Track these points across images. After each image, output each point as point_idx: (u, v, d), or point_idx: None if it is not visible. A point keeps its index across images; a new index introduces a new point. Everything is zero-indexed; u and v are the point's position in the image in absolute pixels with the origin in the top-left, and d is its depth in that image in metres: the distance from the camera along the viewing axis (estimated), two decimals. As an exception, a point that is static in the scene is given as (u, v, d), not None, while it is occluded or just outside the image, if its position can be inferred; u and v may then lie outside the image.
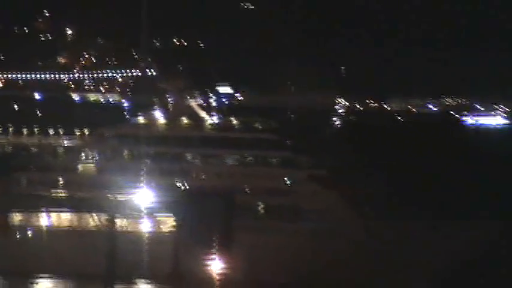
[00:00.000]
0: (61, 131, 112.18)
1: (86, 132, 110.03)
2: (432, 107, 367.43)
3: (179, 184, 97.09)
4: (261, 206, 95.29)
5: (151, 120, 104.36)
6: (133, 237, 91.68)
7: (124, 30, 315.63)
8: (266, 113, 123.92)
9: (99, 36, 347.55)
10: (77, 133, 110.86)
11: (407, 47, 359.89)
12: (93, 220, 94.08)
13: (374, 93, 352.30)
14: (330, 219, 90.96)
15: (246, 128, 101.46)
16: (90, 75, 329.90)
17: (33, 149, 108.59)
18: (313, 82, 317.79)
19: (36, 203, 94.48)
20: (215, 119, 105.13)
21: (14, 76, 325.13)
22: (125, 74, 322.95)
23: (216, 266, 74.90)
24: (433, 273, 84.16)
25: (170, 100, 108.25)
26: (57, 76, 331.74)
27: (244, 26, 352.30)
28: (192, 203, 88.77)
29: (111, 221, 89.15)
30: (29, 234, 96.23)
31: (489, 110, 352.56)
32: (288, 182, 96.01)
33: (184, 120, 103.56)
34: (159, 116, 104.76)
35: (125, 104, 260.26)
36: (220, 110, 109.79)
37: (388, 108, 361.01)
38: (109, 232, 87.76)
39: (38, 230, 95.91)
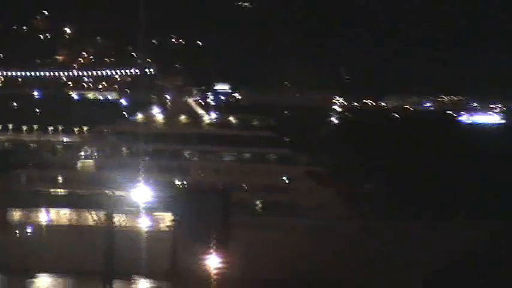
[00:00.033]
0: (60, 128, 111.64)
1: (85, 129, 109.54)
2: (428, 105, 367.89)
3: (177, 181, 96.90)
4: (258, 203, 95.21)
5: (150, 118, 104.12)
6: (132, 234, 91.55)
7: (123, 29, 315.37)
8: (264, 111, 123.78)
9: (98, 35, 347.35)
10: (76, 130, 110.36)
11: (405, 46, 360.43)
12: (91, 217, 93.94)
13: (371, 91, 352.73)
14: (327, 216, 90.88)
15: (244, 125, 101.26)
16: (89, 73, 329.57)
17: (32, 146, 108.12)
18: (311, 80, 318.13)
19: (34, 200, 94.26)
20: (213, 116, 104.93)
21: (13, 74, 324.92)
22: (123, 72, 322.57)
23: (213, 262, 74.64)
24: (430, 270, 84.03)
25: (168, 98, 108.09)
26: (56, 74, 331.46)
27: (243, 25, 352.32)
28: (190, 200, 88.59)
29: (110, 218, 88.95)
30: (28, 231, 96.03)
31: (485, 108, 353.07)
32: (285, 179, 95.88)
33: (183, 117, 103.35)
34: (157, 113, 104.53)
35: (124, 102, 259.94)
36: (219, 107, 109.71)
37: (385, 106, 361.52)
38: (107, 229, 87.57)
39: (36, 226, 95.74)
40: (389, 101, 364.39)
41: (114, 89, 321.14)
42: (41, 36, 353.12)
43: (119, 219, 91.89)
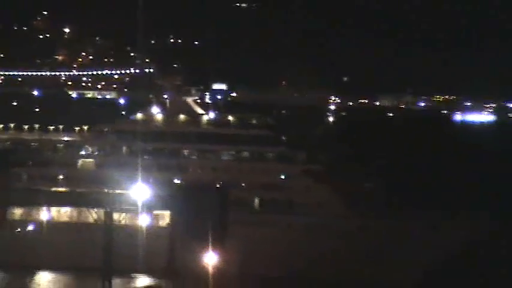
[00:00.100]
0: (59, 127, 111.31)
1: (85, 128, 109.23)
2: (423, 104, 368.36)
3: (176, 179, 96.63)
4: (256, 201, 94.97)
5: (149, 117, 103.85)
6: (130, 232, 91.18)
7: (122, 29, 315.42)
8: (262, 110, 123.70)
9: (97, 35, 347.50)
10: (76, 129, 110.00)
11: (400, 47, 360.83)
12: (90, 215, 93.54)
13: (367, 91, 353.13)
14: (323, 213, 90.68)
15: (242, 124, 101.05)
16: (89, 73, 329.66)
17: (31, 145, 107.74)
18: (308, 80, 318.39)
19: (34, 198, 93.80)
20: (212, 115, 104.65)
21: (13, 74, 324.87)
22: (123, 72, 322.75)
23: (211, 259, 74.31)
24: (427, 268, 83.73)
25: (167, 97, 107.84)
26: (56, 74, 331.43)
27: (241, 25, 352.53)
28: (188, 197, 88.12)
29: (109, 216, 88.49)
30: (27, 228, 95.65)
31: (479, 107, 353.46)
32: (282, 176, 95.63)
33: (182, 116, 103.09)
34: (156, 112, 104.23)
35: (123, 101, 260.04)
36: (217, 106, 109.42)
37: (379, 104, 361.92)
38: (106, 227, 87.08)
39: (35, 224, 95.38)
40: (385, 100, 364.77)
41: (114, 89, 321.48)
42: (41, 36, 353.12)
43: (117, 217, 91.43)
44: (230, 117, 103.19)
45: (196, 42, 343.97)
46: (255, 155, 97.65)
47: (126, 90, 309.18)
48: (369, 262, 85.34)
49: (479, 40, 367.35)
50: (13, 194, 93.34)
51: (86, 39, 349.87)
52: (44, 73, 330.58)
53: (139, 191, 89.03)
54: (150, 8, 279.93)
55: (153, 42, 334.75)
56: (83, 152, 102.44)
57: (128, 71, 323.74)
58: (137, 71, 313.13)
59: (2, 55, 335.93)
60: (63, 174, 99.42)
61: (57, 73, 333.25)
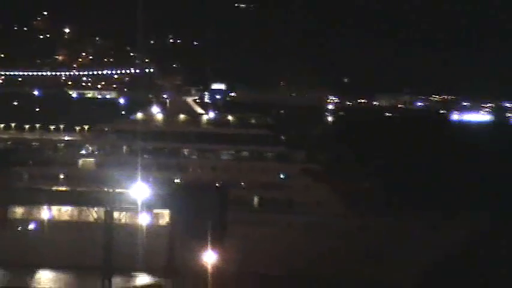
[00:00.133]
0: (59, 127, 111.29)
1: (85, 128, 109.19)
2: (421, 104, 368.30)
3: (176, 178, 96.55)
4: (255, 200, 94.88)
5: (149, 117, 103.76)
6: (130, 231, 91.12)
7: (122, 29, 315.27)
8: (261, 110, 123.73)
9: (98, 35, 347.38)
10: (76, 129, 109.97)
11: (399, 46, 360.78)
12: (91, 213, 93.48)
13: (365, 90, 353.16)
14: (322, 212, 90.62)
15: (241, 124, 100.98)
16: (89, 73, 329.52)
17: (32, 144, 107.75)
18: (306, 80, 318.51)
19: (35, 197, 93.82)
20: (211, 115, 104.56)
21: (14, 73, 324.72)
22: (123, 72, 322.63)
23: (210, 258, 74.19)
24: (426, 267, 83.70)
25: (167, 97, 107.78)
26: (56, 73, 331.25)
27: (240, 25, 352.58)
28: (188, 197, 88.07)
29: (109, 215, 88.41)
30: (27, 227, 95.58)
31: (476, 107, 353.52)
32: (282, 176, 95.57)
33: (182, 116, 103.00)
34: (156, 112, 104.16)
35: (123, 101, 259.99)
36: (217, 106, 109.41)
37: (378, 104, 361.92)
38: (106, 226, 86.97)
39: (36, 223, 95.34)
40: (383, 100, 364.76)
41: (114, 89, 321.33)
42: (41, 36, 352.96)
43: (117, 216, 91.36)
44: (230, 117, 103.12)
45: (195, 43, 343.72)
46: (254, 155, 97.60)
47: (126, 90, 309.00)
48: (368, 261, 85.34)
49: (477, 40, 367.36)
50: (14, 193, 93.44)
51: (86, 39, 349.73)
52: (44, 73, 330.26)
53: (139, 190, 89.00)
54: (150, 8, 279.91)
55: (152, 42, 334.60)
56: (83, 152, 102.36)
57: (127, 71, 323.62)
58: (137, 71, 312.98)
59: (2, 55, 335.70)
60: (64, 174, 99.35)
61: (58, 73, 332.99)
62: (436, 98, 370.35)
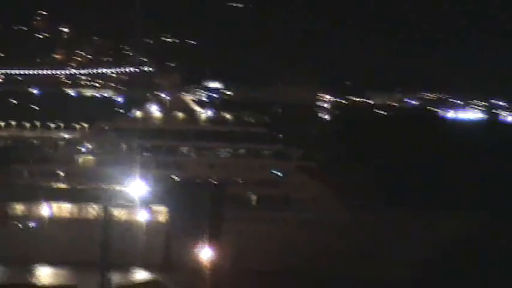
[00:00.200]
0: (57, 125, 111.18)
1: (84, 125, 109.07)
2: (413, 102, 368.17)
3: (173, 176, 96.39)
4: (252, 197, 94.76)
5: (147, 115, 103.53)
6: (128, 227, 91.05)
7: (121, 29, 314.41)
8: (258, 108, 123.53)
9: (96, 34, 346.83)
10: (76, 126, 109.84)
11: (390, 44, 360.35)
12: (89, 210, 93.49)
13: (357, 88, 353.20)
14: (318, 209, 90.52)
15: (238, 122, 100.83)
16: (88, 72, 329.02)
17: (32, 142, 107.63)
18: (302, 78, 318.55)
19: (34, 194, 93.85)
20: (209, 113, 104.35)
21: (12, 72, 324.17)
22: (121, 71, 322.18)
23: (207, 254, 74.08)
24: (417, 262, 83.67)
25: (165, 95, 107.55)
26: (54, 72, 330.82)
27: (236, 24, 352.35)
28: (185, 194, 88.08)
29: (107, 211, 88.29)
30: (26, 224, 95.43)
31: (468, 105, 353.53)
32: (278, 173, 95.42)
33: (179, 114, 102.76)
34: (154, 110, 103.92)
35: (121, 99, 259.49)
36: (214, 104, 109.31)
37: (371, 102, 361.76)
38: (104, 222, 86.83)
39: (36, 220, 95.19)
40: (377, 98, 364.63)
41: (112, 87, 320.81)
42: (40, 35, 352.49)
43: (116, 212, 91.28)
44: (227, 115, 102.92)
45: (193, 42, 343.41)
46: (251, 152, 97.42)
47: (124, 88, 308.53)
48: (363, 258, 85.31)
49: (471, 38, 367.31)
50: (14, 190, 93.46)
51: (84, 39, 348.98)
52: (42, 72, 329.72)
53: (137, 187, 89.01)
54: (148, 7, 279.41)
55: (151, 41, 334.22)
56: (82, 149, 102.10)
57: (125, 70, 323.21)
58: (135, 69, 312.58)
59: (1, 54, 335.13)
60: (63, 171, 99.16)
61: (56, 72, 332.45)
62: (429, 96, 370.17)
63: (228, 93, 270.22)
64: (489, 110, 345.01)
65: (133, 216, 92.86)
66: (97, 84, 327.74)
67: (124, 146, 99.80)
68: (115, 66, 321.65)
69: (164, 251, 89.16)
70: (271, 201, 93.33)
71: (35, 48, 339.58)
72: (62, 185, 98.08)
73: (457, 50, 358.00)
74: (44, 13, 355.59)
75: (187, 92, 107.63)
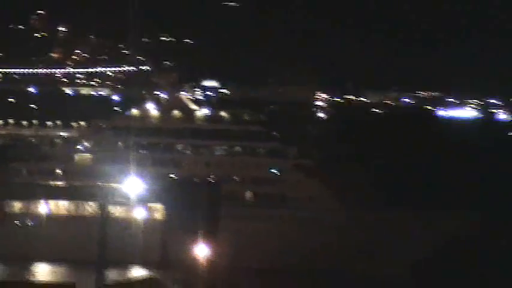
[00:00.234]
0: (57, 123, 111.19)
1: (81, 124, 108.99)
2: (408, 100, 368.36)
3: (170, 174, 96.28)
4: (249, 194, 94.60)
5: (144, 113, 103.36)
6: (125, 225, 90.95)
7: (119, 28, 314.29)
8: (255, 106, 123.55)
9: (93, 33, 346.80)
10: (73, 125, 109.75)
11: (386, 43, 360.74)
12: (86, 207, 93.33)
13: (353, 87, 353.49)
14: (314, 207, 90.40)
15: (235, 120, 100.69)
16: (87, 71, 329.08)
17: (30, 140, 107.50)
18: (297, 77, 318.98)
19: (32, 192, 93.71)
20: (206, 111, 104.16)
21: (10, 71, 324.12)
22: (119, 70, 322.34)
23: (203, 252, 73.91)
24: (414, 260, 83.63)
25: (162, 94, 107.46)
26: (51, 71, 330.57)
27: (232, 24, 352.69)
28: (181, 191, 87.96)
29: (104, 209, 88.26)
30: (24, 222, 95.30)
31: (463, 103, 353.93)
32: (274, 171, 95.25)
33: (176, 112, 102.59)
34: (151, 109, 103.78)
35: (119, 98, 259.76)
36: (210, 103, 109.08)
37: (366, 101, 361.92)
38: (101, 219, 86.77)
39: (34, 217, 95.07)
40: (371, 96, 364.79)
41: (110, 86, 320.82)
42: (37, 35, 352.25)
43: (112, 210, 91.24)
44: (223, 114, 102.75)
45: (190, 41, 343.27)
46: (248, 150, 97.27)
47: (121, 87, 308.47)
48: (360, 256, 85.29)
49: (466, 38, 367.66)
50: (12, 188, 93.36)
51: (81, 38, 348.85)
52: (39, 71, 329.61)
53: (134, 184, 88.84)
54: (146, 7, 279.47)
55: (148, 40, 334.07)
56: (80, 147, 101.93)
57: (123, 69, 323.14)
58: (132, 68, 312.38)
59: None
60: (61, 169, 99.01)
61: (54, 70, 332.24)
62: (423, 94, 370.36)
63: (225, 91, 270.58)
64: (485, 108, 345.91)
65: (130, 214, 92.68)
66: (94, 83, 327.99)
67: (121, 144, 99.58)
68: (113, 65, 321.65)
69: (161, 249, 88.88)
70: (267, 199, 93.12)
71: (32, 47, 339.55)
72: (60, 183, 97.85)
73: (453, 49, 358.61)
74: (42, 12, 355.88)
75: (185, 90, 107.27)
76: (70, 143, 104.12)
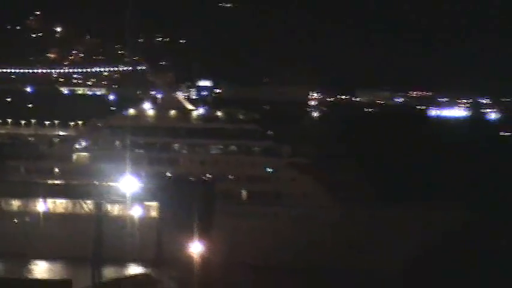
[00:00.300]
0: (54, 122, 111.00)
1: (79, 123, 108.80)
2: (399, 100, 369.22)
3: (166, 172, 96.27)
4: (243, 193, 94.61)
5: (140, 112, 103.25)
6: (121, 223, 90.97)
7: (115, 28, 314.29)
8: (248, 105, 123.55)
9: (89, 34, 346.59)
10: (70, 124, 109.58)
11: (379, 43, 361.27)
12: (83, 206, 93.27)
13: (345, 86, 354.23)
14: (308, 204, 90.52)
15: (229, 119, 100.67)
16: (86, 71, 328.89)
17: (28, 139, 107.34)
18: (291, 76, 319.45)
19: (30, 190, 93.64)
20: (200, 110, 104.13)
21: (7, 71, 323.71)
22: (114, 69, 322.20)
23: (198, 249, 73.93)
24: (407, 257, 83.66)
25: (159, 93, 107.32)
26: (47, 71, 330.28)
27: (227, 24, 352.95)
28: (176, 190, 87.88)
29: (100, 207, 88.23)
30: (22, 219, 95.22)
31: (452, 102, 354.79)
32: (269, 169, 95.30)
33: (172, 112, 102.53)
34: (147, 108, 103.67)
35: (115, 97, 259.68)
36: (206, 102, 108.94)
37: (358, 100, 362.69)
38: (98, 217, 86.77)
39: (32, 215, 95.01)
40: (363, 95, 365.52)
41: (106, 85, 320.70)
42: (34, 35, 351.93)
43: (108, 208, 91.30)
44: (218, 113, 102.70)
45: (186, 41, 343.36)
46: (242, 149, 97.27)
47: (117, 87, 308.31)
48: (354, 252, 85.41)
49: (457, 36, 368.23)
50: (10, 186, 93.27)
51: (77, 38, 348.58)
52: (36, 70, 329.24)
53: (130, 183, 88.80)
54: (142, 7, 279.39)
55: (144, 40, 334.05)
56: (77, 146, 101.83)
57: (119, 68, 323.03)
58: (128, 68, 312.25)
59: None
60: (58, 168, 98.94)
61: (50, 70, 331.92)
62: (414, 94, 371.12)
63: (220, 91, 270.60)
64: (476, 107, 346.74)
65: (126, 212, 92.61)
66: (90, 83, 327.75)
67: (117, 143, 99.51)
68: (109, 65, 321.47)
69: (157, 246, 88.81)
70: (262, 196, 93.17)
71: (29, 47, 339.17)
72: (57, 182, 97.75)
73: (445, 49, 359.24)
74: (38, 13, 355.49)
75: (180, 90, 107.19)
76: (67, 142, 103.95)
